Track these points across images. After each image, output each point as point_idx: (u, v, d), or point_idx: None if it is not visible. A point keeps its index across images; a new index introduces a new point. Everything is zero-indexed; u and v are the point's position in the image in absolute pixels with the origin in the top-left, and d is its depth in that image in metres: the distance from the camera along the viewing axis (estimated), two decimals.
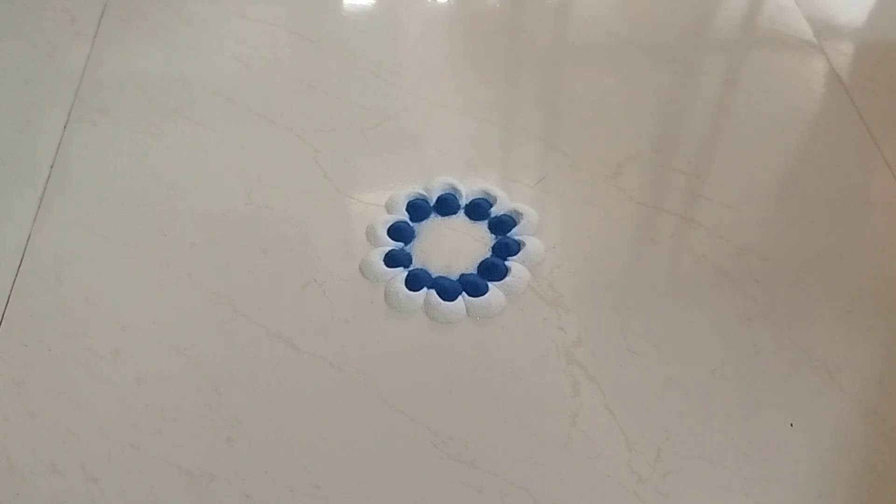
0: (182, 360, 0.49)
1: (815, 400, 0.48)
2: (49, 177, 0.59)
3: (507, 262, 0.54)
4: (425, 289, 0.53)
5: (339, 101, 0.66)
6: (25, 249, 0.55)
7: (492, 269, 0.54)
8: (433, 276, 0.54)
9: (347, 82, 0.68)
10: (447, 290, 0.53)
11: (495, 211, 0.58)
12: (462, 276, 0.54)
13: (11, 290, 0.52)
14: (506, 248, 0.55)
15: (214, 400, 0.47)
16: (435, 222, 0.58)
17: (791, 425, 0.47)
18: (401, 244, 0.56)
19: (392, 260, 0.54)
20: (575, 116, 0.64)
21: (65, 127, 0.63)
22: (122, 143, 0.62)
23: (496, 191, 0.58)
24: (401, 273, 0.53)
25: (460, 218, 0.58)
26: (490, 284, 0.53)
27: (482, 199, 0.58)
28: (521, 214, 0.57)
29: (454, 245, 0.56)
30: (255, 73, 0.69)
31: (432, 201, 0.58)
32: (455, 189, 0.59)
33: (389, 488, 0.44)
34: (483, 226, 0.57)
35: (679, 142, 0.62)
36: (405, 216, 0.57)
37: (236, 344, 0.50)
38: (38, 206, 0.57)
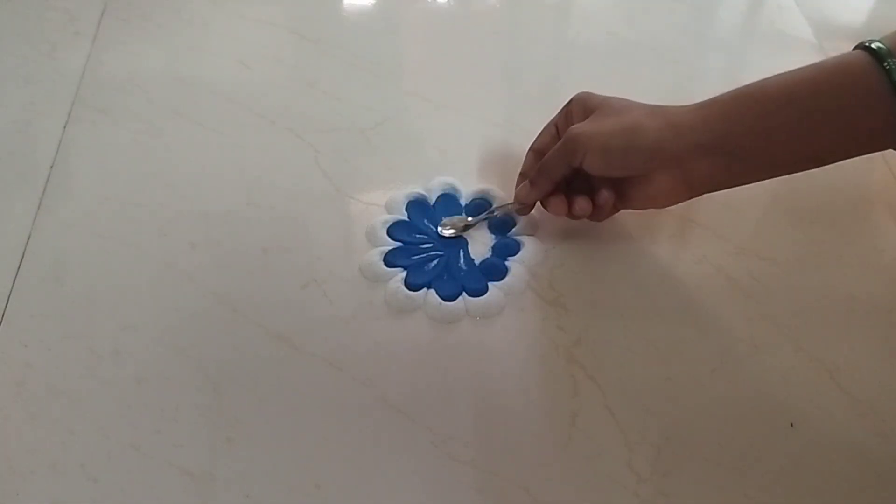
0: (182, 360, 0.49)
1: (815, 400, 0.48)
2: (49, 177, 0.59)
3: (507, 262, 0.54)
4: (425, 289, 0.53)
5: (339, 101, 0.66)
6: (25, 249, 0.55)
7: (492, 269, 0.54)
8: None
9: (347, 82, 0.68)
10: (447, 290, 0.53)
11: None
12: None
13: (11, 290, 0.52)
14: (506, 248, 0.55)
15: (214, 400, 0.47)
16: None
17: (791, 425, 0.47)
18: (401, 244, 0.56)
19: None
20: None
21: (65, 127, 0.63)
22: (122, 143, 0.62)
23: (496, 191, 0.58)
24: (401, 273, 0.53)
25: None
26: (490, 284, 0.53)
27: (482, 199, 0.58)
28: None
29: None
30: (255, 73, 0.69)
31: (432, 201, 0.58)
32: (455, 189, 0.59)
33: (389, 488, 0.44)
34: (483, 226, 0.57)
35: None
36: (405, 216, 0.57)
37: (236, 344, 0.50)
38: (38, 206, 0.57)
